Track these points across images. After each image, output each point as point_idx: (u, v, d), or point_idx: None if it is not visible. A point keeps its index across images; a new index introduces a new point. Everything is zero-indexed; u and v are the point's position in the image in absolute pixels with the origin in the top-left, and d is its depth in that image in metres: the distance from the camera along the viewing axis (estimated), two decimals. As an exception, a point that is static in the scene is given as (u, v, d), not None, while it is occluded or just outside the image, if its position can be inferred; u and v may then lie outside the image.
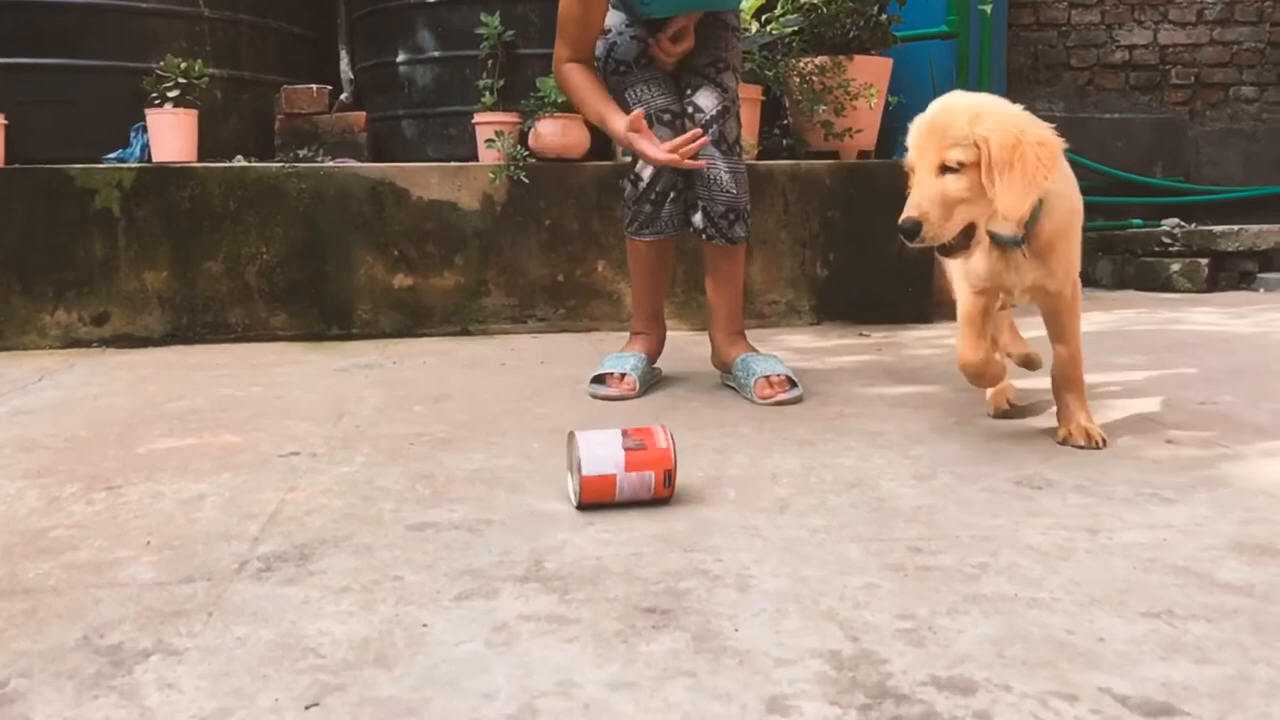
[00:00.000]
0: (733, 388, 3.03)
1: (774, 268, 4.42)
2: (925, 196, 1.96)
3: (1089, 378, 2.50)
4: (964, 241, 2.04)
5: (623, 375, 3.00)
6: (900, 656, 1.33)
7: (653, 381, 3.12)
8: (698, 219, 3.01)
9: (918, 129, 2.04)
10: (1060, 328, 2.35)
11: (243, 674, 1.33)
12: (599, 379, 3.01)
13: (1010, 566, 1.63)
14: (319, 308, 4.19)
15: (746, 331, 3.17)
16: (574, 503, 1.93)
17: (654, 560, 1.69)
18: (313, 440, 2.52)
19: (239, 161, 4.28)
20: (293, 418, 2.77)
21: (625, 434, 1.93)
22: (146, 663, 1.36)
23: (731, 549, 1.73)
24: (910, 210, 1.97)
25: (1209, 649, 1.34)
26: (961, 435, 2.47)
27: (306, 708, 1.24)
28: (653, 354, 3.17)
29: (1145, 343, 3.84)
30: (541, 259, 4.31)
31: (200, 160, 4.22)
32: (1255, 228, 5.85)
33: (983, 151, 1.93)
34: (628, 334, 3.29)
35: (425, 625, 1.47)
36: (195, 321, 4.11)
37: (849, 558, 1.68)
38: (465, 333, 4.25)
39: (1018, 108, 2.06)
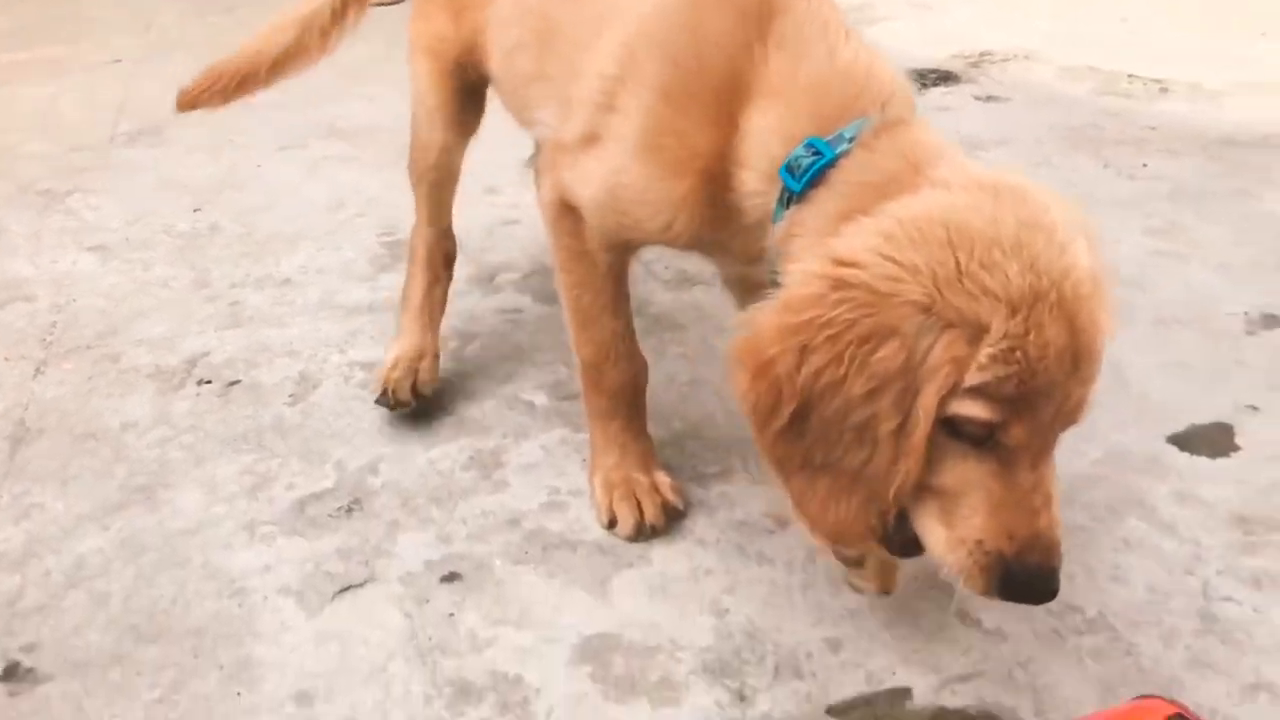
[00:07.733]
0: None
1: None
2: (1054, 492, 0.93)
3: None
4: None
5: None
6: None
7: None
8: None
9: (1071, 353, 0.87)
10: None
11: (144, 199, 2.05)
12: None
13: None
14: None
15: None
16: None
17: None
18: (129, 49, 3.04)
19: None
20: (104, 32, 3.24)
21: None
22: (73, 196, 2.06)
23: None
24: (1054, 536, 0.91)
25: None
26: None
27: (194, 210, 1.98)
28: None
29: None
30: None
31: None
32: None
33: None
34: None
35: (259, 165, 2.19)
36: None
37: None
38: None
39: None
